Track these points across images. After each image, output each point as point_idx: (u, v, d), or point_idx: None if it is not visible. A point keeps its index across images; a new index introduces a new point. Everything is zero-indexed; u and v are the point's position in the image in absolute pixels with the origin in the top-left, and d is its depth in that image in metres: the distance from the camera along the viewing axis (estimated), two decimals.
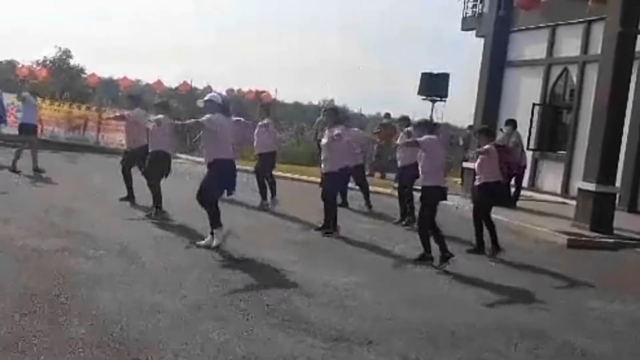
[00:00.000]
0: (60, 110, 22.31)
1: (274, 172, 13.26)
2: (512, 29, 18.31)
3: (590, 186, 12.54)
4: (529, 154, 16.86)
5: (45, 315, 5.59)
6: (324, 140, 10.73)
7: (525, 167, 15.80)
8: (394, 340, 5.85)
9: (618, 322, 7.23)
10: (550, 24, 18.37)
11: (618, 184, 13.44)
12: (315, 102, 39.64)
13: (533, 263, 9.76)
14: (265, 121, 12.83)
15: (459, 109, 36.79)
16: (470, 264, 9.33)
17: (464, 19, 21.79)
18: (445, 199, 9.18)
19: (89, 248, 8.10)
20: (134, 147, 11.82)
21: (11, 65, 32.38)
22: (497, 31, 17.28)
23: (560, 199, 16.92)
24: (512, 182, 14.95)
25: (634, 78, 13.36)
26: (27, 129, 15.11)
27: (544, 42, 18.76)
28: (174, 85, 29.48)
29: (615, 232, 12.32)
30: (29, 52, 52.88)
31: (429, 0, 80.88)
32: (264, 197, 12.70)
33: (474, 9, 21.12)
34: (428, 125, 9.53)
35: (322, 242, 10.09)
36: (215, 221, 8.68)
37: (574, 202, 13.51)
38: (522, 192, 15.91)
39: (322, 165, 10.77)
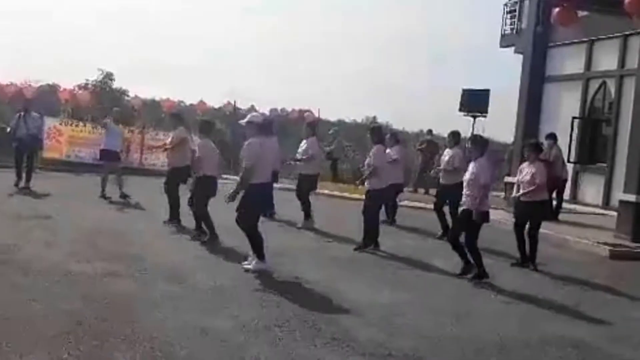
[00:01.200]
0: (102, 133, 22.12)
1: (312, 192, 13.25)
2: (550, 45, 18.61)
3: (631, 197, 12.79)
4: (569, 167, 17.10)
5: (92, 340, 5.55)
6: (368, 159, 10.86)
7: (566, 180, 15.97)
8: (441, 355, 6.00)
9: None
10: (587, 39, 18.69)
11: None
12: (359, 120, 39.70)
13: (576, 275, 9.92)
14: (308, 140, 13.03)
15: (500, 124, 36.78)
16: (514, 277, 9.56)
17: (503, 36, 22.12)
18: (488, 221, 9.27)
19: (135, 271, 8.07)
20: (177, 165, 11.82)
21: (53, 88, 32.83)
22: (536, 47, 17.56)
23: (601, 211, 17.14)
24: (554, 195, 15.21)
25: None
26: (108, 156, 15.22)
27: (582, 56, 19.10)
28: (217, 105, 29.86)
29: None
30: (72, 75, 53.40)
31: (465, 19, 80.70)
32: (307, 216, 12.78)
33: (512, 26, 21.46)
34: (481, 145, 9.37)
35: (366, 259, 10.15)
36: (255, 247, 8.65)
37: (615, 214, 13.73)
38: (564, 205, 16.10)
39: (366, 183, 10.89)
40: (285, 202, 13.45)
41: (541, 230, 10.43)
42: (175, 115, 13.36)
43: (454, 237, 9.31)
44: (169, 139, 12.51)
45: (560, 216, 15.28)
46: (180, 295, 7.22)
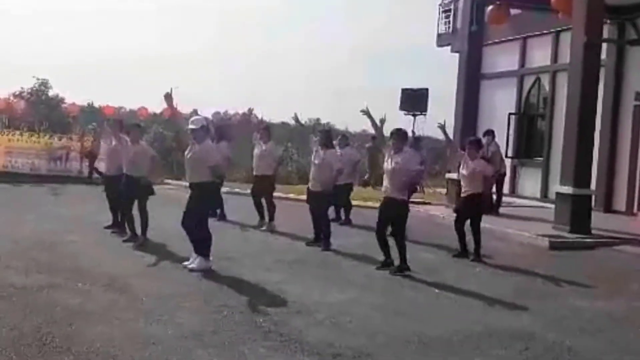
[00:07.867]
0: (39, 141, 21.87)
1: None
2: (485, 43, 18.97)
3: (567, 189, 13.12)
4: (507, 162, 17.48)
5: (34, 355, 5.44)
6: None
7: (505, 174, 16.34)
8: (388, 352, 6.03)
9: (602, 320, 7.53)
10: (521, 36, 19.13)
11: (593, 186, 14.08)
12: (302, 122, 39.53)
13: (518, 266, 10.14)
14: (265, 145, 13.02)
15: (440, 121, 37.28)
16: (456, 271, 9.71)
17: (439, 36, 22.41)
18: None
19: (75, 282, 7.85)
20: (115, 173, 11.52)
21: None
22: (471, 46, 17.89)
23: (539, 203, 17.54)
24: (494, 189, 15.51)
25: (601, 85, 14.05)
26: None
27: (516, 53, 19.52)
28: (158, 110, 29.43)
29: (593, 232, 12.87)
30: (6, 84, 51.86)
31: (405, 19, 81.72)
32: (262, 217, 12.86)
33: (447, 26, 21.78)
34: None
35: (312, 259, 10.17)
36: (200, 246, 8.82)
37: (553, 206, 14.09)
38: (503, 199, 16.43)
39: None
40: (235, 204, 13.49)
41: (482, 224, 10.66)
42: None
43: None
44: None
45: (500, 210, 15.56)
46: (122, 304, 7.10)
